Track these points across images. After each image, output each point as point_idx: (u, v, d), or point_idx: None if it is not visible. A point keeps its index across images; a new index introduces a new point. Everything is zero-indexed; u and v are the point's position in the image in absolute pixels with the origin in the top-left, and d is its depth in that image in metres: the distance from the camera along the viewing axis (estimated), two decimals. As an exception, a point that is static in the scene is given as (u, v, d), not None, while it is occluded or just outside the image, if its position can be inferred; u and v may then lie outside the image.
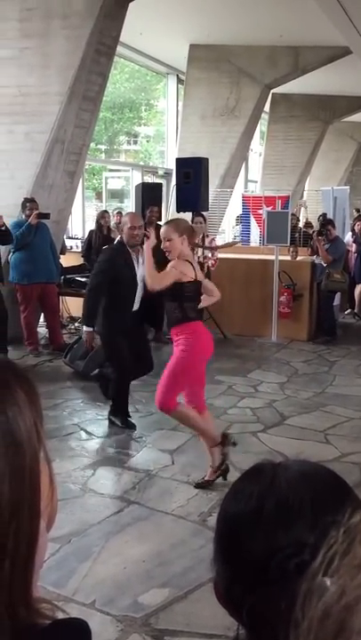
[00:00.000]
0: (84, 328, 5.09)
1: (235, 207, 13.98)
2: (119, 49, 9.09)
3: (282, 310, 8.33)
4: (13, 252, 7.30)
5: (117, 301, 4.83)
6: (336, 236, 8.55)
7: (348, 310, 10.06)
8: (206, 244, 7.79)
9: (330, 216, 10.23)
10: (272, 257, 8.37)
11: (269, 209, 9.91)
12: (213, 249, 7.84)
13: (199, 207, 8.19)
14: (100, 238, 8.76)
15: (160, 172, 14.96)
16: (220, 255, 8.33)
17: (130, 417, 5.15)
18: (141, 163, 18.92)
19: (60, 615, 0.70)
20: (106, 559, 3.24)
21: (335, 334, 8.45)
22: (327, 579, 0.38)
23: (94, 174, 17.66)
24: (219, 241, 12.00)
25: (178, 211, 8.42)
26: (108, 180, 16.12)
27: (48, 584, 2.97)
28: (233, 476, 4.20)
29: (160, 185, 9.94)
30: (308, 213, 14.89)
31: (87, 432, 5.06)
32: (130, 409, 5.35)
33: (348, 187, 14.45)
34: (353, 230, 10.31)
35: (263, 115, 15.50)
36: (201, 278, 3.99)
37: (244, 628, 0.69)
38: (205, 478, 4.04)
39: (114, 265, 4.85)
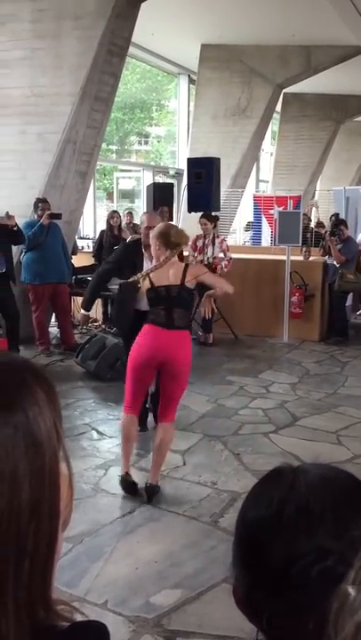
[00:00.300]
0: (82, 311, 5.12)
1: (246, 207, 13.95)
2: (131, 49, 9.09)
3: (293, 311, 8.30)
4: (25, 253, 7.32)
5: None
6: (349, 236, 8.51)
7: (361, 311, 10.02)
8: (216, 245, 7.78)
9: (342, 216, 10.19)
10: (284, 257, 8.35)
11: (281, 209, 9.88)
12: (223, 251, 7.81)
13: (211, 207, 8.18)
14: (110, 238, 8.78)
15: (171, 173, 14.96)
16: (232, 255, 8.31)
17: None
18: (152, 163, 18.92)
19: (79, 617, 0.69)
20: (118, 559, 3.23)
21: (347, 335, 8.41)
22: (350, 587, 0.37)
23: (105, 174, 17.68)
24: (229, 240, 12.00)
25: (189, 211, 8.43)
26: (119, 181, 16.13)
27: (60, 584, 2.97)
28: (244, 476, 4.19)
29: (171, 185, 9.96)
30: (320, 213, 14.84)
31: (99, 432, 5.07)
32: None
33: (360, 187, 14.39)
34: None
35: (275, 114, 15.47)
36: (165, 282, 3.84)
37: (263, 634, 0.68)
38: None
39: (118, 260, 4.88)
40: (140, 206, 13.23)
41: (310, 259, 9.06)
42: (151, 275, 3.85)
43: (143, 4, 7.55)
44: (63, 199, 7.73)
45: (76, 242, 9.11)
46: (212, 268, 7.63)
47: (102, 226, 10.06)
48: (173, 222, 7.82)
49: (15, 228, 6.83)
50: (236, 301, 8.38)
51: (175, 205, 10.76)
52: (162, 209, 8.25)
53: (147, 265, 4.70)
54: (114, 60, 7.56)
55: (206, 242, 7.74)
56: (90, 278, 8.14)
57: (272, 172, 17.74)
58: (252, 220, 13.21)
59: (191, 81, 14.98)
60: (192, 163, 8.56)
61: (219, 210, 8.93)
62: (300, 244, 8.55)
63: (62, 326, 7.76)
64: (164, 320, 3.83)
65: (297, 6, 10.08)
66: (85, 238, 11.32)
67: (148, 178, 13.75)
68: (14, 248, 7.14)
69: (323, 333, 8.53)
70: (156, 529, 3.58)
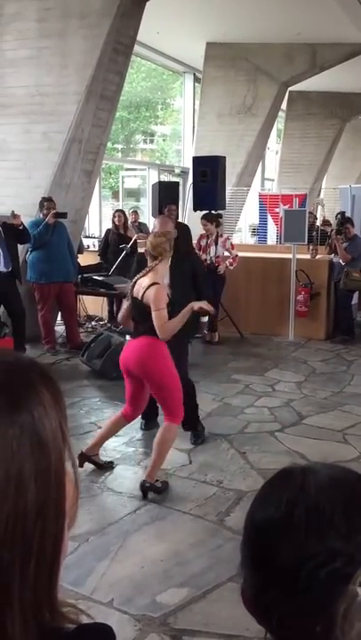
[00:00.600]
0: None
1: (251, 206, 13.93)
2: (136, 48, 9.09)
3: (299, 309, 8.28)
4: (31, 252, 7.33)
5: None
6: (355, 235, 8.48)
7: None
8: (220, 243, 7.76)
9: (348, 214, 10.16)
10: (289, 255, 8.33)
11: (286, 207, 9.85)
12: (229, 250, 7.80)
13: (216, 206, 8.17)
14: (116, 237, 8.79)
15: (176, 171, 14.96)
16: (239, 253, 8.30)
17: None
18: (158, 162, 18.91)
19: (85, 619, 0.69)
20: (124, 558, 3.24)
21: (353, 333, 8.39)
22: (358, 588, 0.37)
23: (111, 173, 17.69)
24: (235, 239, 11.99)
25: (194, 209, 8.42)
26: (124, 179, 16.14)
27: (66, 583, 2.97)
28: (249, 474, 4.19)
29: (177, 184, 9.93)
30: (326, 211, 14.81)
31: (104, 431, 5.06)
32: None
33: (366, 185, 14.34)
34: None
35: (280, 113, 15.43)
36: (138, 294, 3.84)
37: (272, 635, 0.68)
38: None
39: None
40: (146, 205, 13.23)
41: (317, 257, 9.04)
42: (131, 283, 3.93)
43: (148, 3, 7.54)
44: (69, 198, 7.74)
45: (81, 241, 9.12)
46: (214, 266, 7.63)
47: (108, 225, 10.08)
48: (180, 220, 7.78)
49: (21, 227, 6.83)
50: (241, 300, 8.39)
51: (181, 204, 10.74)
52: (170, 207, 8.24)
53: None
54: (119, 58, 7.56)
55: (209, 241, 7.73)
56: (96, 278, 8.18)
57: (278, 171, 17.71)
58: (256, 222, 13.18)
59: (196, 79, 14.97)
60: (197, 161, 8.55)
61: (224, 208, 8.92)
62: (305, 243, 8.53)
63: (68, 325, 7.76)
64: (134, 329, 3.97)
65: (302, 4, 10.05)
66: (91, 237, 11.34)
67: (153, 176, 13.75)
68: (20, 247, 7.16)
69: (329, 332, 8.51)
70: (162, 528, 3.58)
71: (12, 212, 6.74)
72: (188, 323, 4.05)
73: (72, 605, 0.72)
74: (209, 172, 8.07)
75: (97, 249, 9.64)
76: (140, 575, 3.09)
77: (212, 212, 8.04)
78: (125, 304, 4.17)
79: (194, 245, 7.46)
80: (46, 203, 7.25)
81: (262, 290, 8.55)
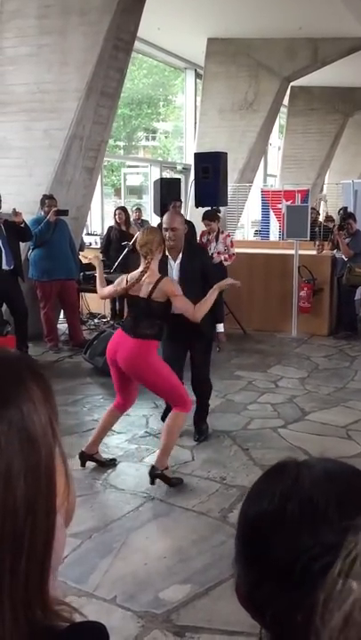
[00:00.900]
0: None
1: (254, 202, 13.90)
2: (137, 45, 9.07)
3: (302, 305, 8.27)
4: (32, 249, 7.33)
5: None
6: (357, 230, 8.45)
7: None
8: (220, 240, 7.75)
9: (351, 209, 10.12)
10: (292, 251, 8.31)
11: (289, 203, 9.83)
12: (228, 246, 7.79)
13: (218, 202, 8.15)
14: (118, 234, 8.77)
15: (178, 168, 14.93)
16: (240, 250, 8.29)
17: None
18: (160, 159, 18.88)
19: (78, 618, 0.68)
20: (127, 555, 3.23)
21: (356, 329, 8.37)
22: (352, 581, 0.36)
23: (113, 171, 17.67)
24: (237, 235, 11.98)
25: (197, 206, 8.39)
26: (126, 177, 16.11)
27: (69, 580, 2.98)
28: (253, 471, 4.18)
29: (178, 180, 9.91)
30: (329, 207, 14.76)
31: (107, 428, 5.06)
32: (150, 404, 5.35)
33: (368, 180, 14.28)
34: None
35: (282, 108, 15.38)
36: (137, 292, 3.86)
37: (266, 630, 0.67)
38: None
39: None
40: (148, 202, 13.20)
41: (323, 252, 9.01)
42: (129, 281, 3.88)
43: (148, -1, 7.52)
44: (70, 195, 7.73)
45: (82, 238, 9.11)
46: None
47: (110, 222, 10.07)
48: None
49: (22, 225, 6.83)
50: (244, 296, 8.36)
51: (183, 200, 10.71)
52: (174, 203, 8.20)
53: (171, 265, 4.64)
54: (120, 55, 7.54)
55: (210, 237, 7.73)
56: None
57: (280, 167, 17.66)
58: (259, 217, 13.14)
59: (198, 75, 14.93)
60: (199, 157, 8.52)
61: (226, 205, 8.89)
62: (307, 239, 8.51)
63: (70, 323, 7.76)
64: (130, 327, 3.90)
65: (304, -2, 10.02)
66: (93, 234, 11.33)
67: (155, 173, 13.72)
68: (22, 245, 7.15)
69: (332, 328, 8.50)
70: (165, 524, 3.58)
71: (14, 209, 6.74)
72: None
73: (65, 603, 0.71)
74: (211, 168, 8.04)
75: (99, 246, 9.63)
76: (143, 572, 3.09)
77: (212, 208, 8.02)
78: (110, 288, 4.12)
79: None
80: (47, 200, 7.24)
81: (265, 286, 8.53)
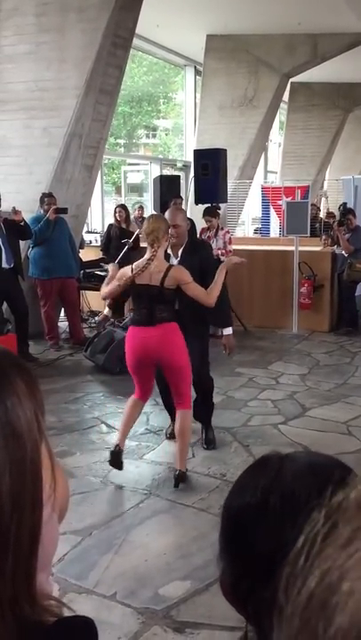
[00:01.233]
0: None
1: (254, 198, 13.88)
2: (136, 42, 9.06)
3: (302, 301, 8.26)
4: (32, 248, 7.33)
5: None
6: (357, 226, 8.44)
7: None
8: (220, 236, 7.74)
9: (351, 205, 10.10)
10: (292, 248, 8.30)
11: (288, 199, 9.81)
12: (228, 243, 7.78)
13: (218, 199, 8.13)
14: (118, 231, 8.76)
15: (178, 165, 14.91)
16: (240, 247, 8.28)
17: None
18: (160, 156, 18.86)
19: (67, 613, 0.69)
20: (127, 552, 3.24)
21: (357, 325, 8.36)
22: (315, 556, 0.37)
23: (113, 168, 17.65)
24: (238, 232, 11.95)
25: (197, 203, 8.38)
26: (127, 174, 16.10)
27: (70, 576, 2.99)
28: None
29: (178, 177, 9.90)
30: (329, 203, 14.74)
31: (108, 425, 5.07)
32: (150, 402, 5.34)
33: (369, 175, 14.24)
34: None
35: (282, 104, 15.35)
36: (146, 281, 3.79)
37: (250, 623, 0.67)
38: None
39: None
40: (149, 199, 13.19)
41: (317, 249, 9.00)
42: (135, 271, 3.82)
43: (147, -4, 7.51)
44: (70, 193, 7.73)
45: (82, 236, 9.11)
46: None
47: (110, 220, 10.06)
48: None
49: (22, 223, 6.83)
50: (245, 293, 8.36)
51: (183, 197, 10.69)
52: (175, 201, 8.19)
53: (172, 262, 4.62)
54: (118, 52, 7.53)
55: (210, 234, 7.73)
56: (99, 273, 8.17)
57: (280, 163, 17.63)
58: (259, 214, 13.12)
59: (198, 72, 14.90)
60: (198, 154, 8.51)
61: (226, 201, 8.88)
62: (308, 235, 8.50)
63: (71, 321, 7.77)
64: (146, 318, 3.85)
65: (302, -6, 9.99)
66: (93, 232, 11.32)
67: (155, 171, 13.70)
68: (22, 243, 7.15)
69: (332, 324, 8.49)
70: (166, 521, 3.59)
71: (13, 207, 6.74)
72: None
73: (54, 598, 0.71)
74: (210, 165, 8.03)
75: (99, 244, 9.63)
76: (143, 568, 3.09)
77: (211, 204, 8.01)
78: (112, 285, 4.03)
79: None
80: (47, 198, 7.24)
81: (265, 283, 8.52)
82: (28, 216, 7.00)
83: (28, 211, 7.10)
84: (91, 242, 10.12)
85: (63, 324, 8.08)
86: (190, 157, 11.33)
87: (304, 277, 8.25)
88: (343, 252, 8.26)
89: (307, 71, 13.26)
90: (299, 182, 11.84)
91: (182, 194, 10.11)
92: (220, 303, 4.17)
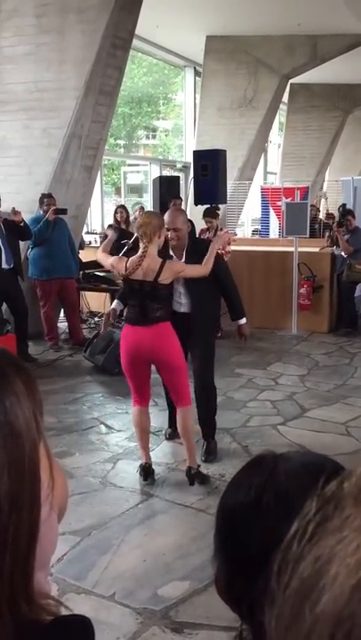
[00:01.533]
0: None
1: (254, 199, 13.89)
2: (136, 43, 9.07)
3: (302, 302, 8.26)
4: (32, 248, 7.34)
5: None
6: (356, 227, 8.45)
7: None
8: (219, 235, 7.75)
9: (350, 206, 10.12)
10: (291, 249, 8.31)
11: (288, 200, 9.82)
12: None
13: (217, 200, 8.15)
14: (118, 232, 8.76)
15: (178, 166, 14.91)
16: (239, 248, 8.28)
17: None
18: (160, 157, 18.87)
19: (64, 611, 0.69)
20: (126, 552, 3.25)
21: (356, 326, 8.36)
22: (306, 544, 0.38)
23: (113, 169, 17.66)
24: (238, 233, 11.95)
25: (196, 204, 8.39)
26: (126, 175, 16.10)
27: (68, 577, 2.99)
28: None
29: (177, 178, 9.91)
30: (329, 204, 14.74)
31: (107, 426, 5.08)
32: (150, 403, 5.34)
33: (368, 176, 14.26)
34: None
35: (282, 105, 15.36)
36: (139, 277, 3.78)
37: (244, 622, 0.68)
38: None
39: None
40: (148, 200, 13.20)
41: (316, 249, 9.01)
42: (129, 267, 3.81)
43: (146, -3, 7.52)
44: (69, 194, 7.74)
45: (82, 236, 9.11)
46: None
47: (110, 221, 10.06)
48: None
49: (22, 224, 6.84)
50: (244, 294, 8.32)
51: (182, 198, 10.70)
52: (174, 201, 8.20)
53: None
54: (118, 53, 7.54)
55: (209, 235, 7.74)
56: (98, 274, 8.17)
57: (280, 164, 17.64)
58: (259, 215, 13.13)
59: (197, 73, 14.91)
60: (198, 155, 8.52)
61: (225, 202, 8.89)
62: (307, 235, 8.51)
63: (70, 321, 7.77)
64: (139, 317, 3.85)
65: (302, -5, 10.00)
66: (93, 233, 11.32)
67: (155, 172, 13.71)
68: (21, 244, 7.16)
69: (332, 325, 8.49)
70: (164, 521, 3.59)
71: (13, 208, 6.74)
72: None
73: (51, 597, 0.72)
74: (210, 165, 8.03)
75: (99, 245, 9.62)
76: (142, 569, 3.10)
77: (211, 205, 8.02)
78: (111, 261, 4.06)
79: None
80: (46, 199, 7.25)
81: (265, 283, 8.52)
82: (27, 217, 7.00)
83: (28, 211, 7.11)
84: (90, 242, 10.13)
85: (63, 324, 8.09)
86: (190, 158, 11.34)
87: (303, 278, 8.26)
88: (342, 253, 8.27)
89: (306, 72, 13.27)
90: (298, 183, 11.85)
91: (182, 195, 10.13)
92: (235, 298, 4.56)
